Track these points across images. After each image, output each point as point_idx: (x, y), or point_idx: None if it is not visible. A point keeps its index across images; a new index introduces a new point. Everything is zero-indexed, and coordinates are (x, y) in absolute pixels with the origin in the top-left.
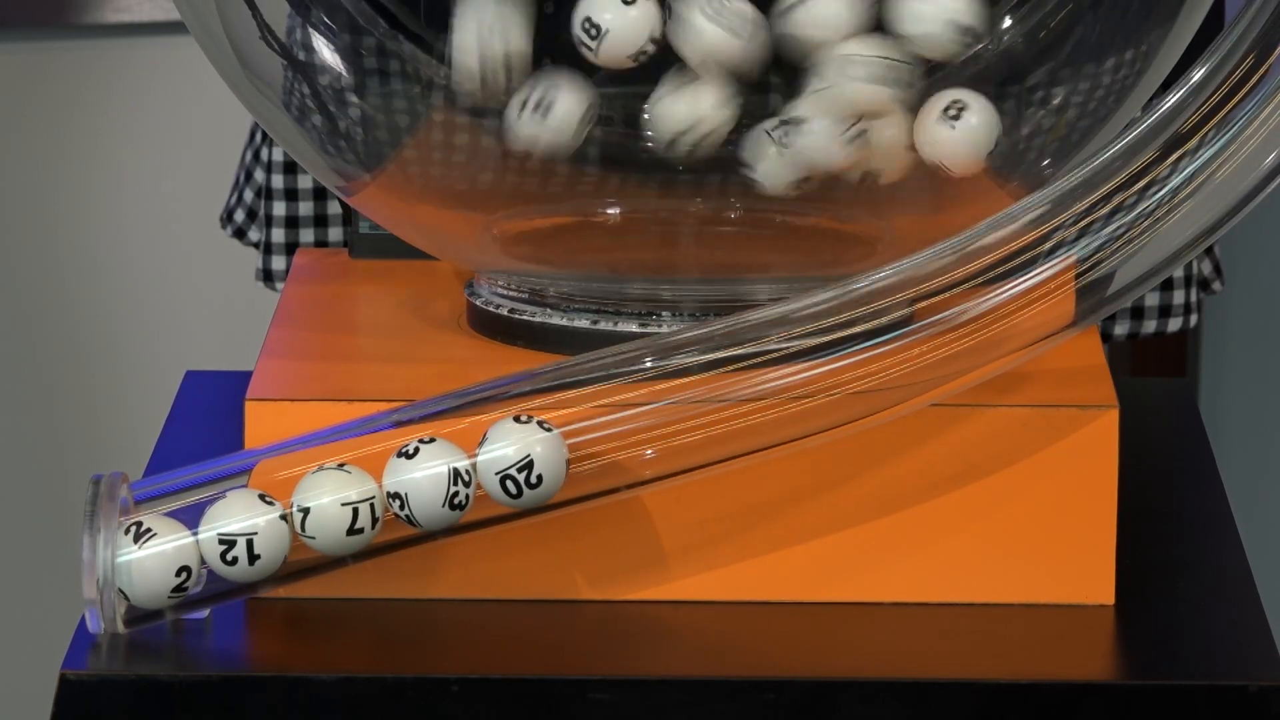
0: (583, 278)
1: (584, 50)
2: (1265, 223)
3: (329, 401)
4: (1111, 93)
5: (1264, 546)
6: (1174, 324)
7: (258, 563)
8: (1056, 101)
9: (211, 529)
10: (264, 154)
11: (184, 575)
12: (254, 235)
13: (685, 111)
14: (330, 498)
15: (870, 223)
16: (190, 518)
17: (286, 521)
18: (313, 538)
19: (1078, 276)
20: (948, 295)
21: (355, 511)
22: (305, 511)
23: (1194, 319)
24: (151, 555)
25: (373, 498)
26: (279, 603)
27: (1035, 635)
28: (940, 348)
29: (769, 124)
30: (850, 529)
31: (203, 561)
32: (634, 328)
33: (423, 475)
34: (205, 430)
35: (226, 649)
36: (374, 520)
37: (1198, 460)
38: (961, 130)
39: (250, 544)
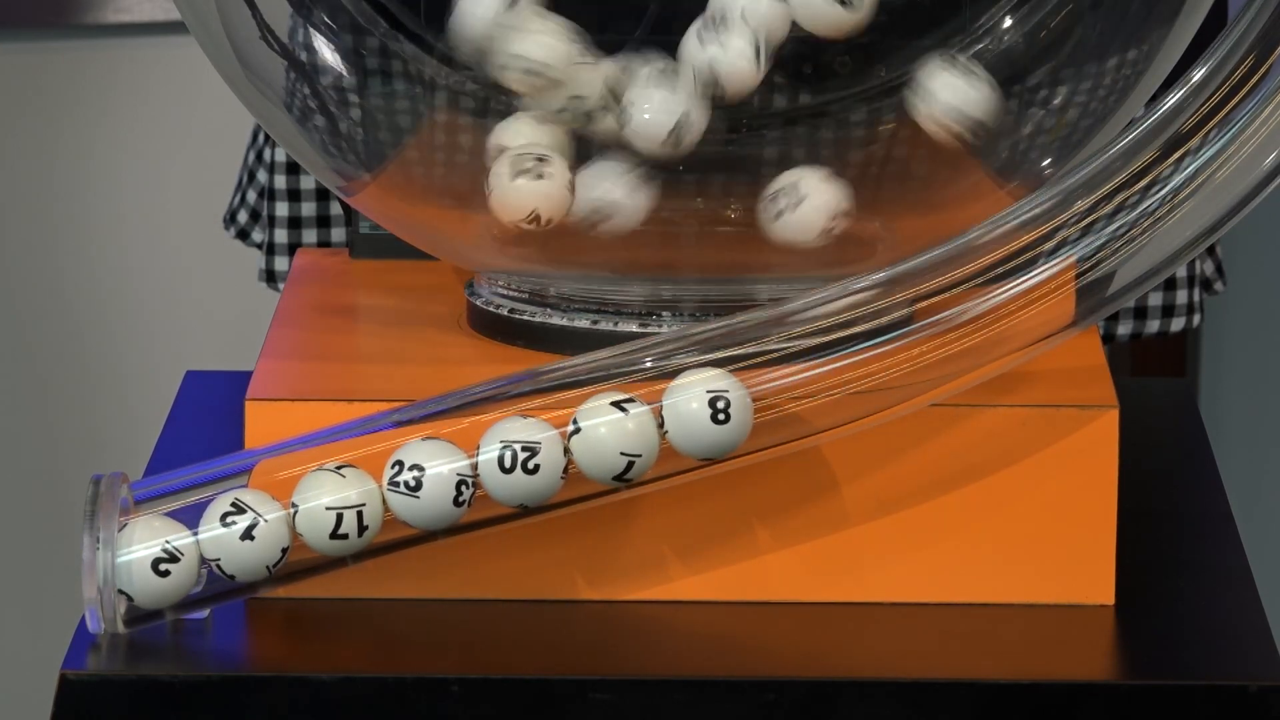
0: (583, 278)
1: None
2: (1266, 223)
3: (329, 401)
4: (1112, 92)
5: (1264, 546)
6: (1177, 324)
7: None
8: (1057, 101)
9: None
10: (266, 154)
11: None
12: (257, 236)
13: None
14: (316, 501)
15: (870, 223)
16: (190, 518)
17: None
18: (301, 535)
19: (1078, 276)
20: (948, 295)
21: (340, 517)
22: (295, 509)
23: (1197, 319)
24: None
25: (362, 505)
26: (279, 603)
27: (1035, 635)
28: (940, 348)
29: None
30: (850, 529)
31: (202, 561)
32: (634, 328)
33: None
34: (205, 430)
35: (226, 649)
36: (360, 528)
37: (1198, 460)
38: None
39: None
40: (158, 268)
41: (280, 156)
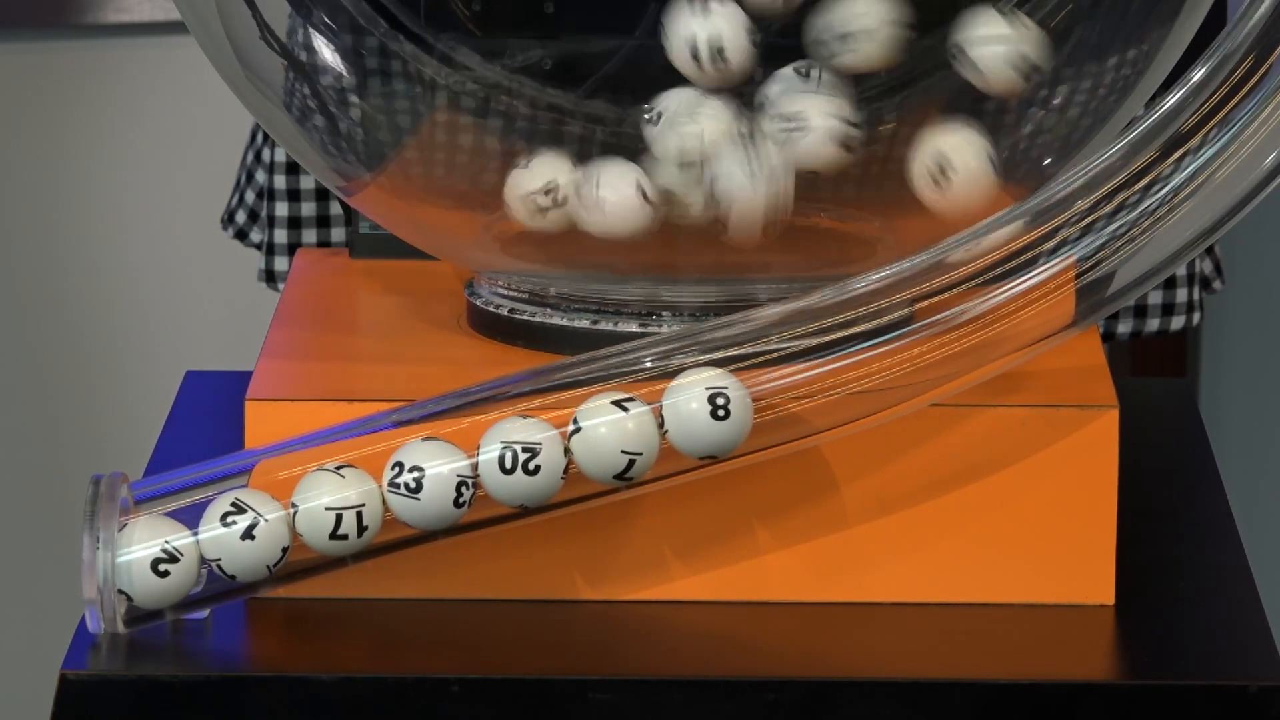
0: (583, 278)
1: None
2: (1265, 223)
3: (329, 401)
4: (1112, 92)
5: (1264, 546)
6: (1176, 322)
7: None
8: (1057, 101)
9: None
10: (265, 155)
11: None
12: (255, 236)
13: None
14: (316, 501)
15: (870, 223)
16: (190, 518)
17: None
18: (301, 535)
19: (1078, 276)
20: (948, 295)
21: (339, 517)
22: (295, 509)
23: (1197, 317)
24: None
25: (362, 505)
26: (279, 603)
27: (1035, 635)
28: (940, 348)
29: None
30: (850, 529)
31: (202, 561)
32: (634, 328)
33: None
34: (205, 430)
35: (226, 649)
36: (360, 528)
37: (1198, 460)
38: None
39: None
40: (158, 268)
41: (280, 156)
